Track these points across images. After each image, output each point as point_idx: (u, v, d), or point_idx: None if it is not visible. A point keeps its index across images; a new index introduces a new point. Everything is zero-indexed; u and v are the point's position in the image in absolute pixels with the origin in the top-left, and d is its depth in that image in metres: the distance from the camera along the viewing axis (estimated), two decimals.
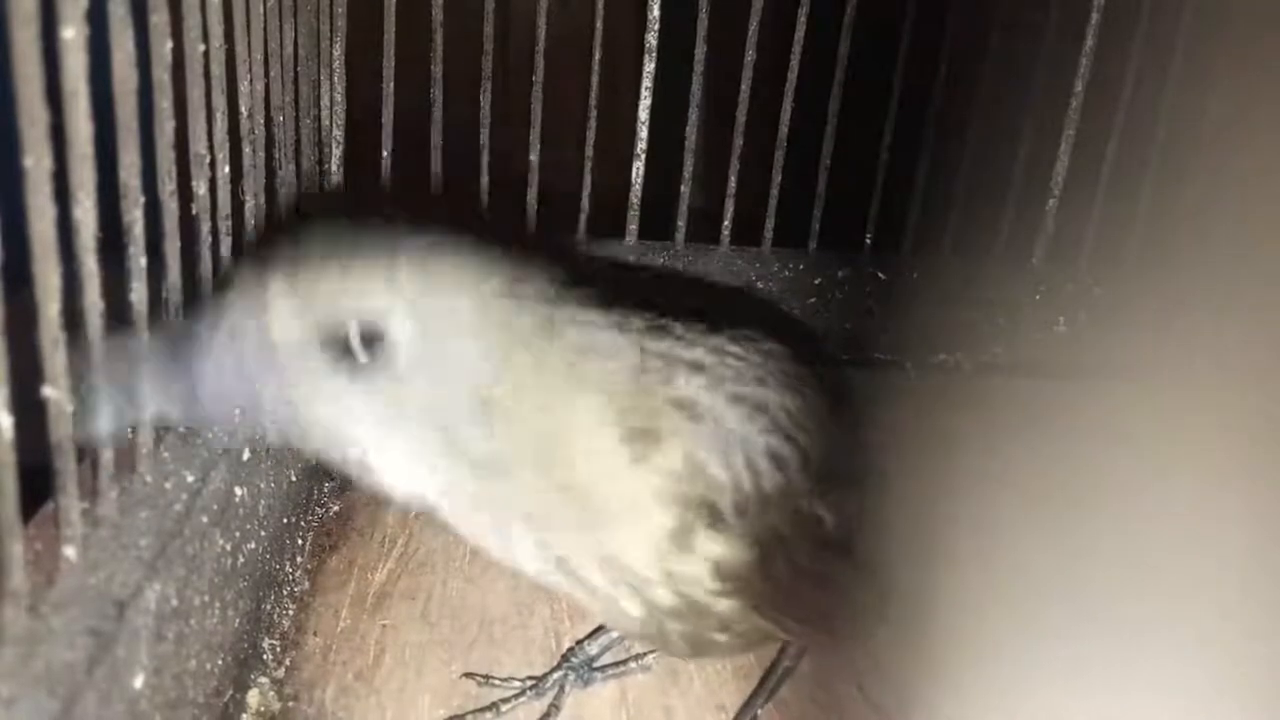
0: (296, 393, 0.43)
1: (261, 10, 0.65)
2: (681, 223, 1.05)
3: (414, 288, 0.43)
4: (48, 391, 0.37)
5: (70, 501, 0.40)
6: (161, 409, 0.42)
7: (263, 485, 0.62)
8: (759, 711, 0.61)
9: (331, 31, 0.89)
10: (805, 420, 0.53)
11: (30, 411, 0.37)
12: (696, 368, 0.51)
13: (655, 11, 0.98)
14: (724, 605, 0.50)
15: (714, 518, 0.48)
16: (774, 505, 0.50)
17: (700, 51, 0.99)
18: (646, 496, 0.48)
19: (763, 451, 0.50)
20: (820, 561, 0.54)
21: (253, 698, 0.59)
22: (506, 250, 0.47)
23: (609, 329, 0.49)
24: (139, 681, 0.42)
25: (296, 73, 0.76)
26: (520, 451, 0.46)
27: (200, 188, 0.53)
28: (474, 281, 0.45)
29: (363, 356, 0.43)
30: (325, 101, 0.88)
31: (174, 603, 0.46)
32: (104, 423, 0.41)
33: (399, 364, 0.43)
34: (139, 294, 0.46)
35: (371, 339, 0.43)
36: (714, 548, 0.49)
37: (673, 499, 0.48)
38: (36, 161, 0.35)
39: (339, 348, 0.43)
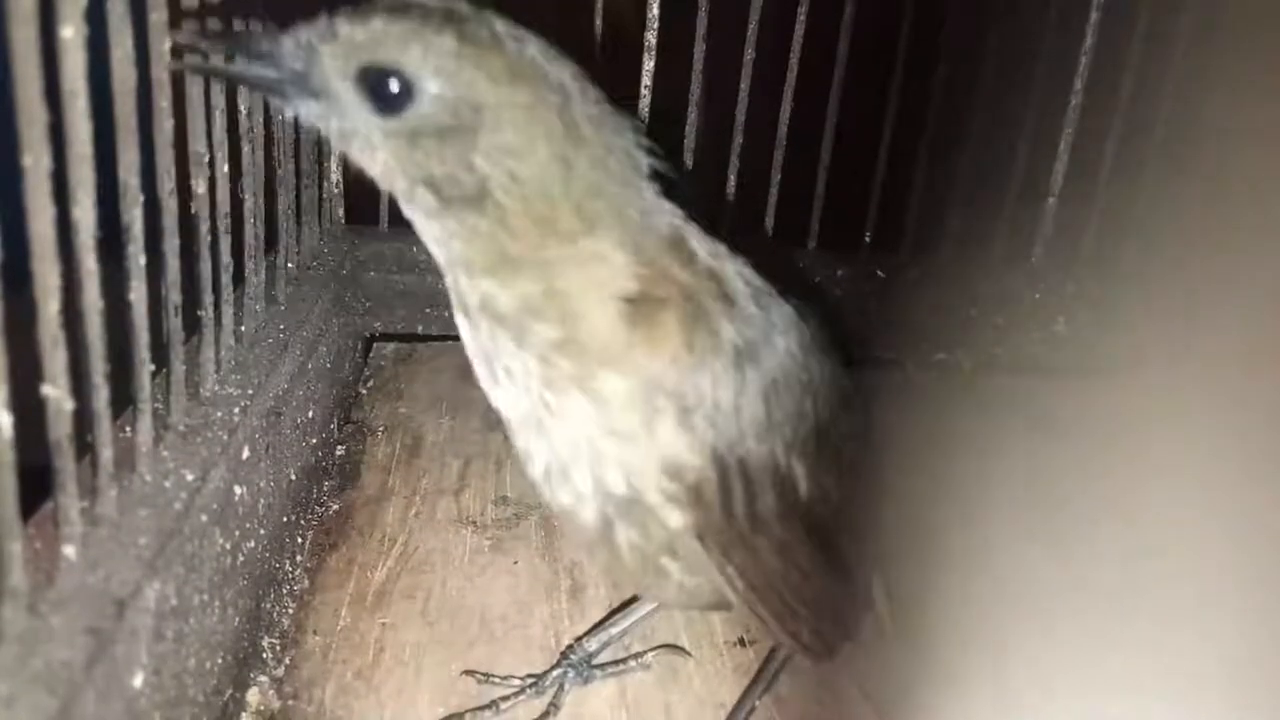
0: (338, 108, 0.47)
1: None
2: None
3: (452, 52, 0.45)
4: (47, 390, 0.37)
5: (70, 500, 0.40)
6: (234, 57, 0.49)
7: (262, 484, 0.62)
8: (756, 703, 0.61)
9: None
10: (812, 384, 0.53)
11: (30, 410, 0.37)
12: (731, 279, 0.51)
13: (654, 10, 0.98)
14: (674, 519, 0.50)
15: (685, 411, 0.48)
16: (748, 437, 0.50)
17: (699, 50, 0.99)
18: (627, 366, 0.48)
19: (758, 382, 0.50)
20: (785, 527, 0.53)
21: (252, 696, 0.59)
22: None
23: (662, 201, 0.51)
24: (138, 680, 0.42)
25: None
26: (522, 257, 0.48)
27: (199, 186, 0.54)
28: (538, 74, 0.47)
29: (392, 98, 0.46)
30: None
31: (173, 601, 0.46)
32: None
33: (418, 120, 0.46)
34: (138, 293, 0.46)
35: (404, 88, 0.45)
36: (674, 444, 0.49)
37: (651, 377, 0.48)
38: (35, 161, 0.35)
39: (376, 83, 0.46)
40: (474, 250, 0.48)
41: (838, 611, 0.57)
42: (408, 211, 0.49)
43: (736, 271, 0.52)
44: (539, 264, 0.48)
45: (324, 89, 0.46)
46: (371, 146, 0.47)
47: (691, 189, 0.55)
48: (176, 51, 0.48)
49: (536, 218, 0.47)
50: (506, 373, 0.51)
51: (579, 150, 0.47)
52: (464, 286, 0.50)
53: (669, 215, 0.51)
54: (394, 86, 0.45)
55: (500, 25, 0.47)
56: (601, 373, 0.48)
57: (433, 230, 0.49)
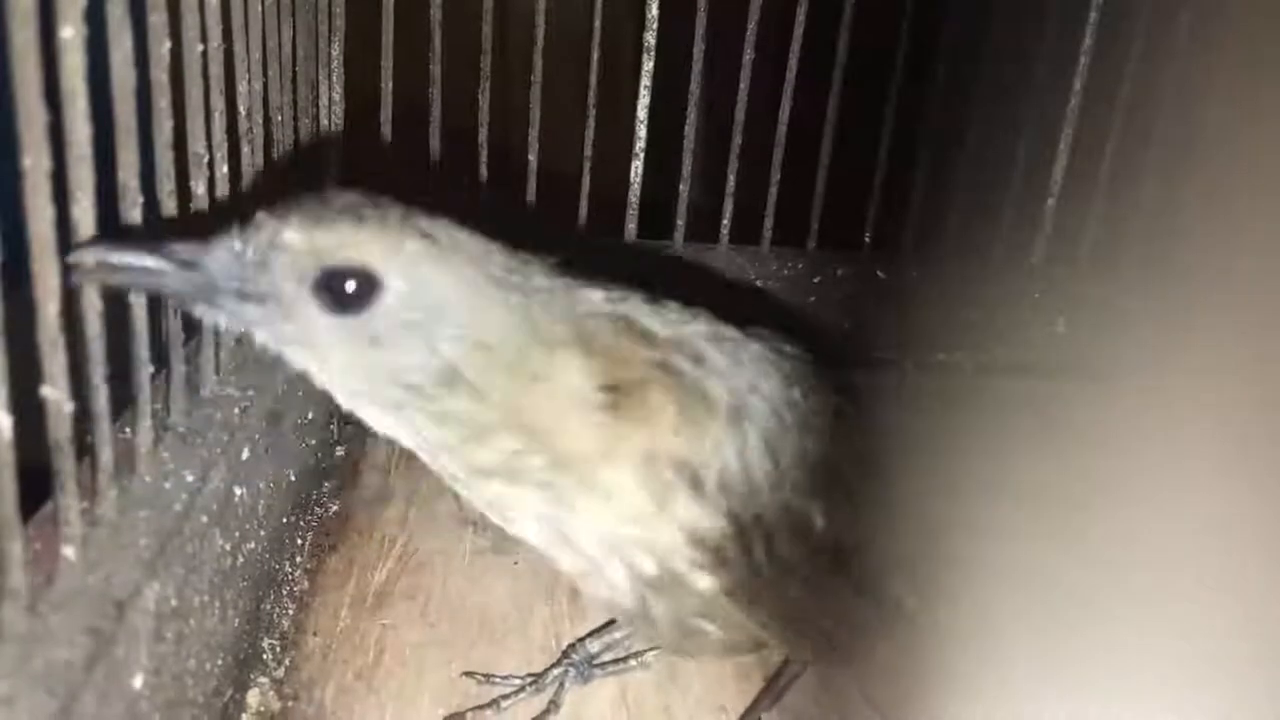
0: (286, 313, 0.45)
1: (260, 10, 0.65)
2: (680, 221, 1.05)
3: (415, 251, 0.45)
4: (47, 391, 0.37)
5: (70, 501, 0.40)
6: (161, 280, 0.44)
7: (262, 485, 0.62)
8: (763, 716, 0.61)
9: (330, 31, 0.89)
10: (806, 419, 0.53)
11: (30, 411, 0.37)
12: (695, 340, 0.52)
13: (654, 10, 0.98)
14: (703, 583, 0.51)
15: (696, 485, 0.49)
16: (761, 491, 0.51)
17: (699, 50, 0.99)
18: (628, 452, 0.48)
19: (757, 434, 0.51)
20: (809, 564, 0.54)
21: (252, 697, 0.59)
22: (508, 240, 0.49)
23: (603, 298, 0.51)
24: (138, 681, 0.42)
25: (295, 72, 0.76)
26: (499, 418, 0.48)
27: (199, 187, 0.53)
28: (474, 257, 0.47)
29: (350, 300, 0.45)
30: (324, 101, 0.88)
31: (173, 602, 0.46)
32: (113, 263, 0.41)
33: (381, 319, 0.45)
34: (138, 294, 0.46)
35: (365, 288, 0.45)
36: (692, 515, 0.49)
37: (655, 456, 0.48)
38: (35, 161, 0.35)
39: (335, 285, 0.45)
40: (449, 431, 0.48)
41: (860, 620, 0.58)
42: (363, 412, 0.49)
43: (695, 331, 0.53)
44: (511, 411, 0.48)
45: (271, 294, 0.45)
46: (326, 350, 0.46)
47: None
48: (100, 269, 0.42)
49: (502, 373, 0.47)
50: (517, 509, 0.51)
51: (528, 302, 0.48)
52: (445, 462, 0.50)
53: (612, 305, 0.51)
54: (352, 287, 0.45)
55: (438, 222, 0.47)
56: (605, 469, 0.49)
57: (396, 423, 0.49)
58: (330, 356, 0.47)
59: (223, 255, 0.45)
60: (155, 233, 0.47)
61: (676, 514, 0.49)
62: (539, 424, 0.48)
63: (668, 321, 0.52)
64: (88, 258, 0.40)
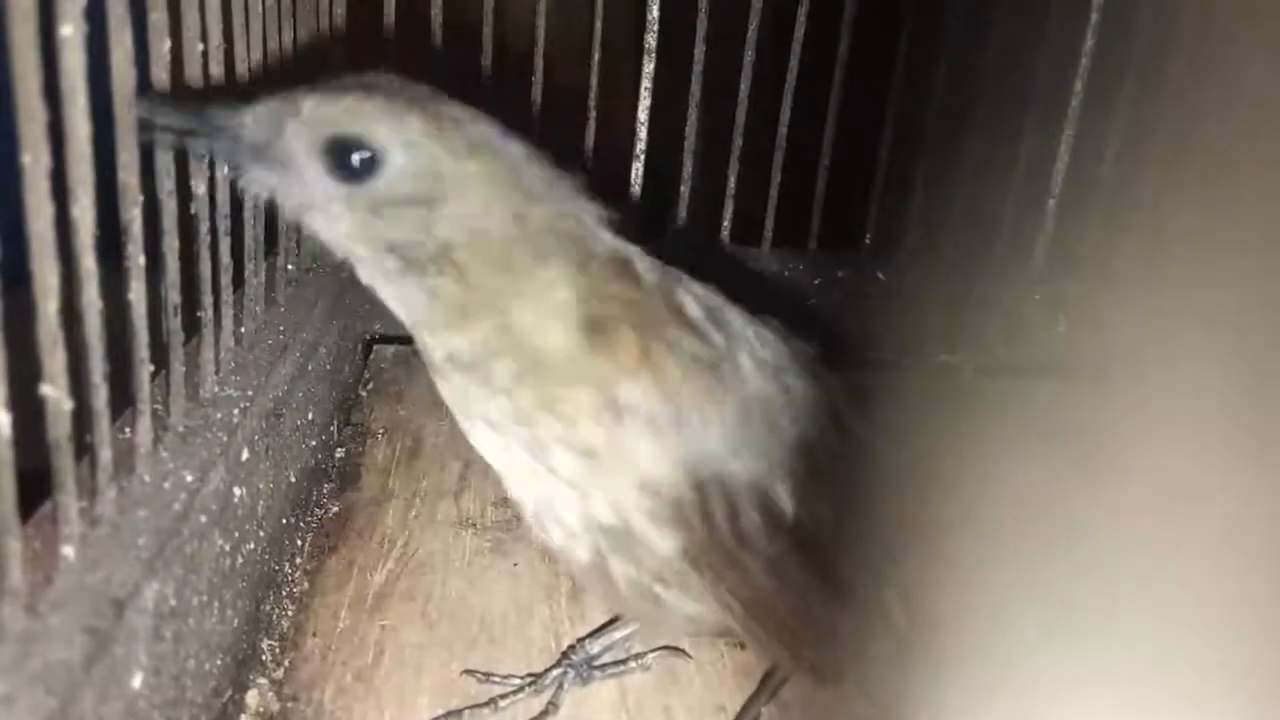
0: (298, 178, 0.49)
1: (260, 10, 0.65)
2: (681, 223, 1.05)
3: (418, 128, 0.48)
4: (46, 390, 0.37)
5: (69, 500, 0.40)
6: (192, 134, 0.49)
7: (261, 486, 0.62)
8: (761, 711, 0.61)
9: (331, 32, 0.89)
10: (792, 402, 0.53)
11: (29, 412, 0.37)
12: (683, 296, 0.53)
13: (654, 12, 0.98)
14: (661, 544, 0.51)
15: (653, 423, 0.50)
16: (723, 453, 0.51)
17: (699, 52, 0.99)
18: (590, 380, 0.49)
19: (735, 398, 0.51)
20: (775, 547, 0.53)
21: (251, 698, 0.59)
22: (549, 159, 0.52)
23: (611, 235, 0.53)
24: (137, 681, 0.42)
25: (295, 74, 0.76)
26: (482, 306, 0.50)
27: (199, 187, 0.53)
28: (484, 147, 0.50)
29: (355, 169, 0.48)
30: None
31: (172, 602, 0.46)
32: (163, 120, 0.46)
33: (382, 191, 0.48)
34: (137, 293, 0.46)
35: (370, 159, 0.48)
36: (645, 457, 0.50)
37: (611, 390, 0.49)
38: (35, 159, 0.35)
39: (341, 154, 0.48)
40: (435, 308, 0.51)
41: (840, 630, 0.57)
42: (366, 277, 0.52)
43: (687, 290, 0.54)
44: (494, 306, 0.50)
45: (286, 160, 0.49)
46: (332, 215, 0.49)
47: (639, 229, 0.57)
48: (145, 125, 0.47)
49: (493, 266, 0.49)
50: (484, 421, 0.53)
51: (531, 207, 0.50)
52: (428, 343, 0.52)
53: (617, 247, 0.53)
54: (358, 159, 0.48)
55: (457, 107, 0.50)
56: (565, 393, 0.50)
57: (393, 293, 0.51)
58: (336, 221, 0.49)
59: (249, 120, 0.49)
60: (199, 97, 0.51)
61: (630, 453, 0.50)
62: (513, 319, 0.50)
63: (663, 275, 0.53)
64: (140, 112, 0.45)
